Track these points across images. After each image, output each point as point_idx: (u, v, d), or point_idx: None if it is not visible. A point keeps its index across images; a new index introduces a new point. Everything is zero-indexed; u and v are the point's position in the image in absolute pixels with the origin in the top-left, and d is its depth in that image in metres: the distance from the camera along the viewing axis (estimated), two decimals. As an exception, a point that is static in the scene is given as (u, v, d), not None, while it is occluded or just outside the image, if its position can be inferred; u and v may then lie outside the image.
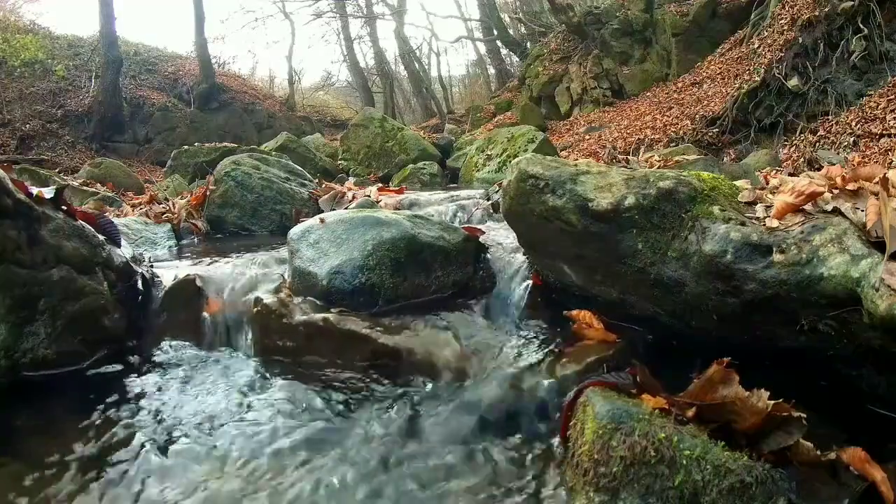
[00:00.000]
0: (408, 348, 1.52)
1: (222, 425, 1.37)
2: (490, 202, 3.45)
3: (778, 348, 1.30)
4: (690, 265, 1.32)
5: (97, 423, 1.37)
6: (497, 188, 3.46)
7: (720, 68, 10.32)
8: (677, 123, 9.12)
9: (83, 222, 1.71)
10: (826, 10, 7.54)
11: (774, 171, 3.30)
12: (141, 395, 1.51)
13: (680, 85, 11.04)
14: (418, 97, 22.43)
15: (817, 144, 6.70)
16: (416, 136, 9.02)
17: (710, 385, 1.08)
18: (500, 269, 1.95)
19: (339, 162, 8.78)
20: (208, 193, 3.42)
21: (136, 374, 1.61)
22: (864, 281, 1.08)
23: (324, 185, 3.92)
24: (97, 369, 1.61)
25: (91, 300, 1.63)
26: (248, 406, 1.45)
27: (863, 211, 1.20)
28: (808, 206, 1.27)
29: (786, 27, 8.46)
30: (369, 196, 3.61)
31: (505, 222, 1.81)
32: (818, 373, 1.29)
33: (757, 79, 8.22)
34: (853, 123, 6.49)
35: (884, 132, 6.06)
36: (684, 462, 0.97)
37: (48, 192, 1.62)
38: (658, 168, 3.30)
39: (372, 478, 1.19)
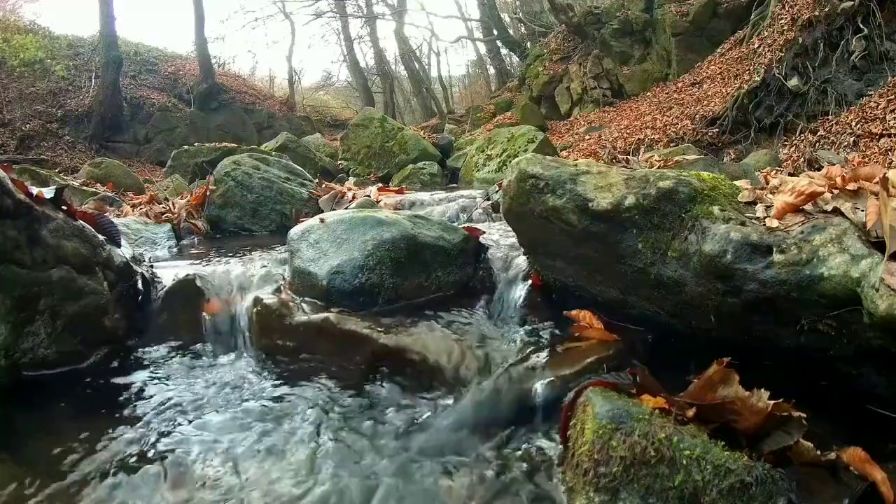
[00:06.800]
0: (408, 348, 1.52)
1: (222, 425, 1.37)
2: (490, 202, 3.45)
3: (778, 348, 1.30)
4: (690, 265, 1.32)
5: (97, 422, 1.37)
6: (497, 188, 3.47)
7: (720, 68, 10.31)
8: (677, 123, 9.12)
9: (83, 222, 1.71)
10: (826, 10, 7.54)
11: (774, 171, 3.30)
12: (141, 395, 1.51)
13: (680, 85, 11.04)
14: (418, 97, 22.43)
15: (817, 144, 6.70)
16: (416, 136, 9.03)
17: (710, 385, 1.08)
18: (500, 269, 1.95)
19: (340, 162, 8.79)
20: (208, 193, 3.42)
21: (136, 374, 1.61)
22: (864, 281, 1.08)
23: (324, 185, 3.92)
24: (97, 369, 1.61)
25: (91, 300, 1.63)
26: (248, 406, 1.45)
27: (863, 211, 1.20)
28: (808, 206, 1.27)
29: (786, 27, 8.45)
30: (369, 196, 3.61)
31: (505, 222, 1.81)
32: (818, 373, 1.29)
33: (757, 79, 8.22)
34: (853, 123, 6.49)
35: (884, 132, 6.05)
36: (684, 462, 0.97)
37: (48, 192, 1.62)
38: (658, 168, 3.30)
39: (371, 478, 1.19)
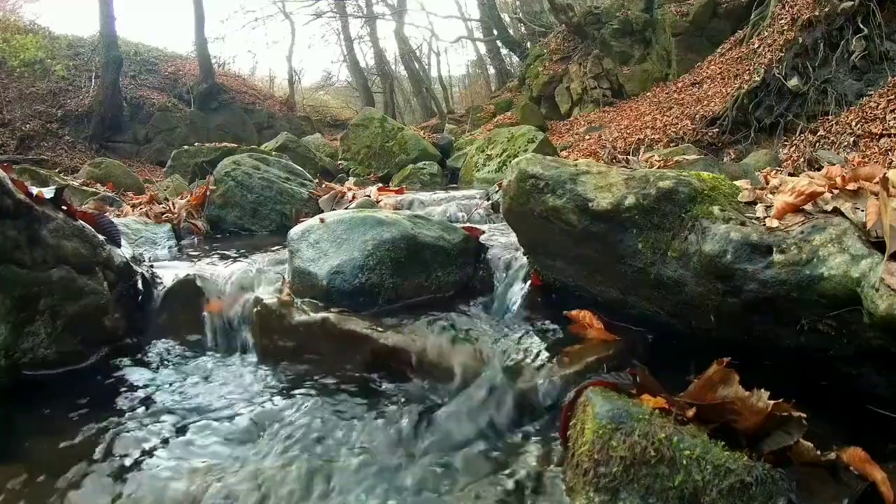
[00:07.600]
0: (407, 348, 1.52)
1: (221, 425, 1.37)
2: (490, 202, 3.46)
3: (778, 348, 1.30)
4: (690, 265, 1.32)
5: (97, 422, 1.37)
6: (497, 188, 3.47)
7: (720, 68, 10.32)
8: (677, 123, 9.12)
9: (83, 222, 1.71)
10: (826, 10, 7.54)
11: (774, 171, 3.30)
12: (141, 395, 1.50)
13: (680, 85, 11.05)
14: (418, 97, 22.44)
15: (817, 144, 6.70)
16: (416, 136, 9.04)
17: (710, 385, 1.08)
18: (500, 269, 1.95)
19: (340, 162, 8.80)
20: (208, 193, 3.42)
21: (136, 374, 1.61)
22: (864, 281, 1.08)
23: (324, 185, 3.92)
24: (97, 369, 1.61)
25: (91, 300, 1.63)
26: (248, 406, 1.45)
27: (863, 211, 1.20)
28: (808, 206, 1.27)
29: (786, 27, 8.46)
30: (369, 196, 3.61)
31: (505, 222, 1.81)
32: (818, 373, 1.29)
33: (757, 79, 8.22)
34: (853, 123, 6.49)
35: (884, 132, 6.06)
36: (684, 462, 0.97)
37: (48, 192, 1.62)
38: (658, 168, 3.30)
39: (370, 479, 1.19)
